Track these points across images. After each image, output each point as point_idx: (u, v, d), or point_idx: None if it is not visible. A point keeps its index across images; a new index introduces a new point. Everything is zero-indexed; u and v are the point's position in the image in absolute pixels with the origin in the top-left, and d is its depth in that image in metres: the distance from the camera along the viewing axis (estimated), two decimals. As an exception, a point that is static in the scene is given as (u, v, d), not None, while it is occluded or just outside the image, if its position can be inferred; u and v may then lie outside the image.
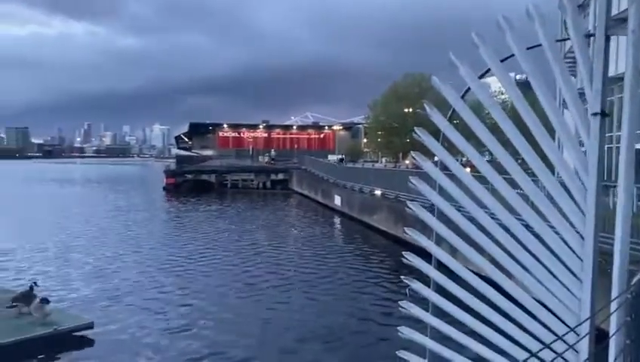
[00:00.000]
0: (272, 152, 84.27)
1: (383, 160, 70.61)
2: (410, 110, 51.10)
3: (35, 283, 11.99)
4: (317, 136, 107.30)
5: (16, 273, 16.78)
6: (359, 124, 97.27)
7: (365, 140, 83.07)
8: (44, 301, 11.04)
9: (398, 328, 2.52)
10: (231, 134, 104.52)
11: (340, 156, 69.53)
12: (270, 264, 18.29)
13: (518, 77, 19.17)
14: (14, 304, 11.33)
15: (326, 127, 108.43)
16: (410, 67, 55.29)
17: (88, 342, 10.50)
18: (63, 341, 10.18)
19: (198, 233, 26.06)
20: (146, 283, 15.53)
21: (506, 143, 2.72)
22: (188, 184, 58.54)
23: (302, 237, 25.67)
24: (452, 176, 2.95)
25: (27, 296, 11.33)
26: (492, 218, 2.65)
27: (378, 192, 26.88)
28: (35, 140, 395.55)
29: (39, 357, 9.45)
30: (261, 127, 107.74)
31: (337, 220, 32.42)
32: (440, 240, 2.88)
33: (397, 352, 2.49)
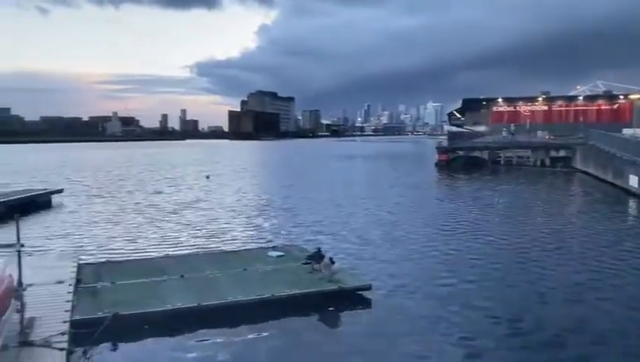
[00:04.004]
0: (512, 127, 79.24)
1: (700, 133, 57.62)
2: None
3: (319, 248, 13.87)
4: (609, 107, 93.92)
5: (309, 234, 19.54)
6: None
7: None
8: (331, 260, 12.63)
9: None
10: (506, 109, 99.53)
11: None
12: (554, 256, 16.74)
13: None
14: (308, 261, 13.33)
15: (621, 97, 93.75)
16: None
17: (367, 302, 11.54)
18: (345, 298, 11.45)
19: (473, 210, 25.81)
20: (422, 255, 16.16)
21: None
22: (460, 160, 58.36)
23: (591, 225, 22.43)
24: None
25: (318, 256, 13.19)
26: None
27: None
28: (324, 121, 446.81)
29: (329, 308, 10.85)
30: (540, 99, 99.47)
31: (633, 204, 28.10)
32: None
33: None
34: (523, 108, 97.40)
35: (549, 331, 10.03)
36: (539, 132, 77.47)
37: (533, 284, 13.12)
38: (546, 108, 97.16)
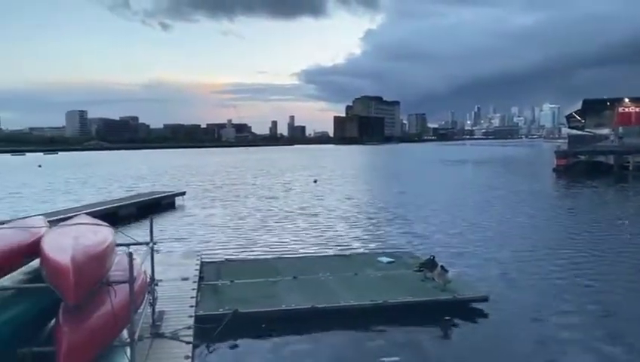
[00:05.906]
0: (620, 130, 71.32)
1: None
2: None
3: (433, 256, 13.51)
4: None
5: (421, 241, 19.14)
6: None
7: None
8: (444, 269, 12.23)
9: None
10: (634, 109, 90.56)
11: None
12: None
13: None
14: (421, 269, 13.03)
15: None
16: None
17: (483, 315, 10.96)
18: (460, 308, 10.98)
19: (604, 223, 23.41)
20: (544, 270, 14.95)
21: None
22: (580, 165, 54.32)
23: None
24: None
25: (431, 263, 12.85)
26: None
27: None
28: (430, 125, 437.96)
29: (445, 318, 10.44)
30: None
31: None
32: None
33: None
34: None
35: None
36: (621, 135, 70.33)
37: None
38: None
